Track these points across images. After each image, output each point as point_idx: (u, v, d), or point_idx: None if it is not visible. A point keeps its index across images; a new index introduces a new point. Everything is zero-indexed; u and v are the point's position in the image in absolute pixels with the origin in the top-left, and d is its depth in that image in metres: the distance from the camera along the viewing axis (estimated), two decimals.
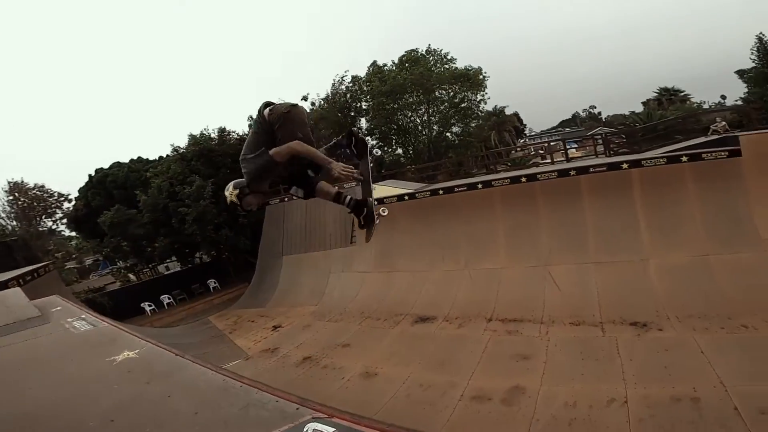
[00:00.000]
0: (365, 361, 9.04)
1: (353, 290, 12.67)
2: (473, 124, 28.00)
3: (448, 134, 27.51)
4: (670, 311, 8.16)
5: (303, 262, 15.65)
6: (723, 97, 42.82)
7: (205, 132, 22.68)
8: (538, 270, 10.31)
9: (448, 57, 26.62)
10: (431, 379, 7.83)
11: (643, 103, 37.16)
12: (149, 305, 20.53)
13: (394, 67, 26.46)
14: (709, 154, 9.51)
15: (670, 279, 8.88)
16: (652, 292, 8.78)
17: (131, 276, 27.99)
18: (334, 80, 26.38)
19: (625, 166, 10.12)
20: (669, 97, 35.83)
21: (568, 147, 21.03)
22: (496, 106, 33.23)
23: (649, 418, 5.59)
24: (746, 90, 20.13)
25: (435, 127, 27.23)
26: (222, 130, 22.79)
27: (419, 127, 27.05)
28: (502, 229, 11.25)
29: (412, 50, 26.82)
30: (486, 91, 26.67)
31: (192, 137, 22.41)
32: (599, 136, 24.09)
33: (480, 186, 11.75)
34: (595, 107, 65.66)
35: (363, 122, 26.82)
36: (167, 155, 24.41)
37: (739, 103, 22.55)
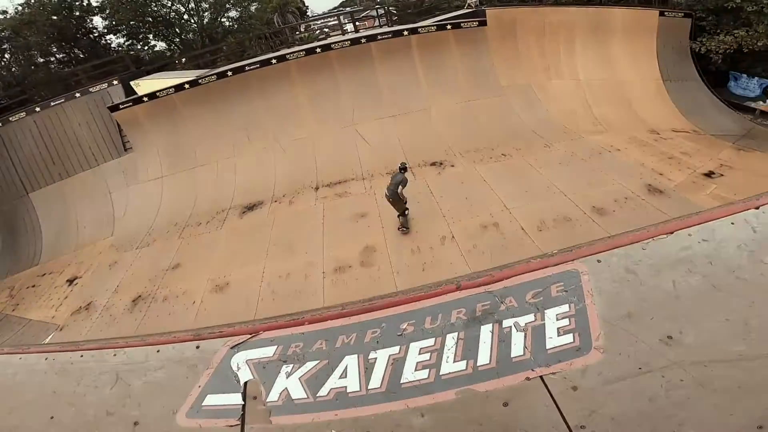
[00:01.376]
0: (208, 275, 8.25)
1: (153, 203, 10.66)
2: (253, 7, 25.21)
3: (224, 20, 24.34)
4: (455, 149, 10.33)
5: (65, 191, 11.77)
6: None
7: None
8: (346, 130, 10.90)
9: None
10: (287, 266, 7.87)
11: None
12: None
13: None
14: (465, 24, 11.54)
15: (449, 122, 10.95)
16: (438, 134, 10.75)
17: None
18: None
19: (405, 33, 11.32)
20: None
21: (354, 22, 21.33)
22: None
23: (473, 248, 7.41)
24: None
25: (206, 14, 23.62)
26: None
27: (185, 17, 23.09)
28: (305, 98, 11.15)
29: None
30: None
31: None
32: (382, 11, 24.62)
33: (274, 61, 10.98)
34: None
35: (98, 21, 21.35)
36: None
37: None
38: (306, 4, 43.29)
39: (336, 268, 7.65)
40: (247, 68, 11.05)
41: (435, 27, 11.51)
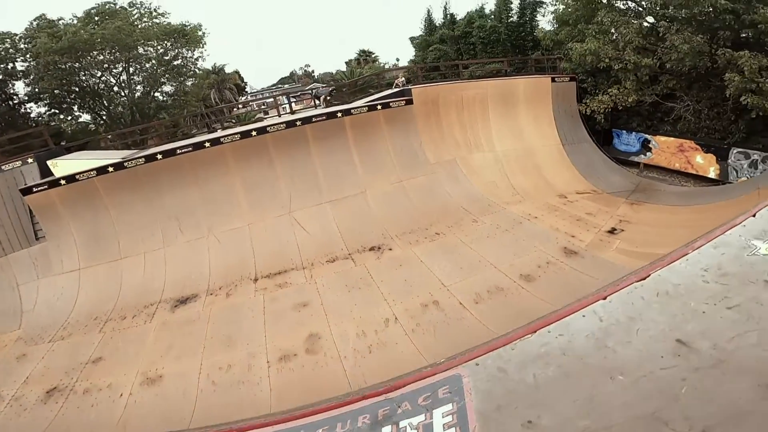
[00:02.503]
0: (137, 368, 7.77)
1: (69, 296, 9.84)
2: (190, 83, 25.86)
3: (157, 94, 24.46)
4: (391, 232, 10.77)
5: None
6: (397, 59, 55.75)
7: None
8: (284, 218, 11.06)
9: (159, 11, 22.96)
10: (228, 358, 7.60)
11: (347, 63, 44.30)
12: None
13: (75, 21, 21.04)
14: (394, 103, 12.42)
15: (384, 204, 11.51)
16: (375, 218, 11.20)
17: None
18: None
19: (339, 114, 11.80)
20: (365, 57, 44.45)
21: (290, 101, 22.35)
22: (215, 63, 32.89)
23: (416, 327, 7.63)
24: (414, 53, 25.96)
25: (139, 87, 23.66)
26: None
27: (115, 88, 23.03)
28: (240, 184, 11.12)
29: (107, 2, 22.08)
30: (204, 48, 24.42)
31: None
32: (315, 90, 26.64)
33: (208, 144, 10.86)
34: (310, 65, 71.18)
35: (20, 86, 21.01)
36: None
37: (409, 63, 29.20)
38: (245, 81, 45.31)
39: (280, 357, 7.48)
40: (179, 151, 10.85)
41: (366, 108, 12.16)
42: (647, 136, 14.11)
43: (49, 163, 10.91)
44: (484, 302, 7.99)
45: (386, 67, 43.09)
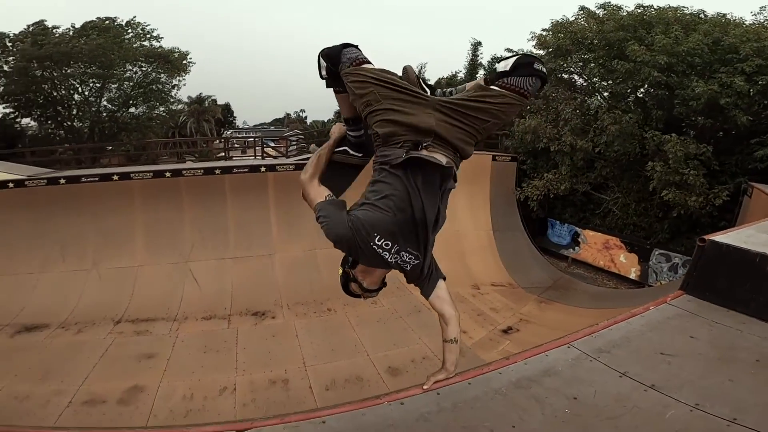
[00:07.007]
0: None
1: None
2: (162, 109, 26.14)
3: (123, 114, 24.51)
4: (285, 300, 9.99)
5: None
6: None
7: None
8: (179, 267, 10.41)
9: (154, 34, 23.70)
10: (30, 390, 6.83)
11: (336, 113, 45.56)
12: None
13: (71, 32, 21.80)
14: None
15: (289, 271, 10.83)
16: (275, 283, 10.49)
17: None
18: None
19: (263, 169, 11.61)
20: None
21: (265, 145, 22.58)
22: (200, 93, 33.42)
23: (251, 402, 6.73)
24: None
25: (106, 104, 23.97)
26: None
27: (83, 102, 23.27)
28: (141, 224, 10.66)
29: (107, 18, 22.80)
30: (185, 76, 25.15)
31: None
32: (293, 137, 27.03)
33: (116, 177, 10.67)
34: (305, 111, 71.19)
35: None
36: None
37: None
38: (233, 114, 45.47)
39: (87, 401, 6.66)
40: (83, 179, 10.53)
41: (293, 166, 11.72)
42: (577, 229, 13.28)
43: None
44: (335, 390, 7.12)
45: None
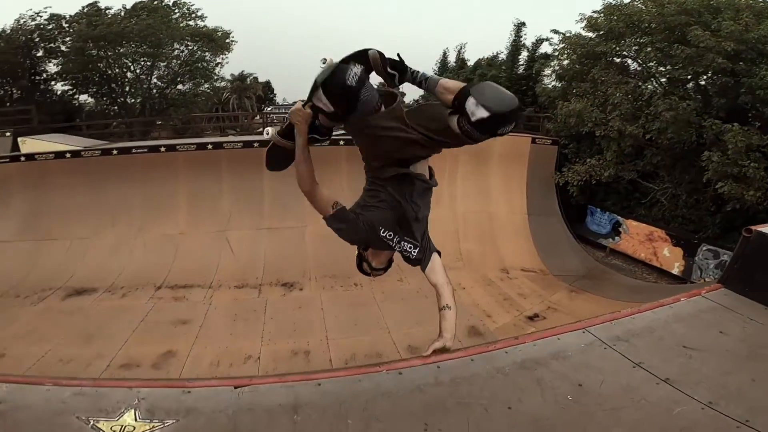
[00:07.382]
0: None
1: None
2: (207, 86, 27.20)
3: (171, 91, 25.74)
4: (313, 272, 10.19)
5: None
6: (403, 93, 58.81)
7: None
8: (217, 235, 10.82)
9: (198, 14, 24.49)
10: (74, 353, 7.30)
11: None
12: None
13: (122, 13, 22.73)
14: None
15: (319, 244, 10.88)
16: (305, 255, 10.68)
17: None
18: (21, 15, 21.36)
19: None
20: None
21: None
22: (242, 71, 33.66)
23: (272, 372, 6.82)
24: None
25: (156, 81, 25.06)
26: None
27: (135, 80, 24.44)
28: (185, 193, 11.12)
29: None
30: (227, 55, 25.91)
31: None
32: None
33: (163, 149, 11.24)
34: None
35: (51, 65, 22.83)
36: None
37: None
38: (274, 92, 46.05)
39: (124, 364, 7.06)
40: (134, 150, 11.15)
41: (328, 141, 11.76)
42: (619, 218, 12.43)
43: (18, 139, 11.70)
44: (354, 364, 7.15)
45: None
